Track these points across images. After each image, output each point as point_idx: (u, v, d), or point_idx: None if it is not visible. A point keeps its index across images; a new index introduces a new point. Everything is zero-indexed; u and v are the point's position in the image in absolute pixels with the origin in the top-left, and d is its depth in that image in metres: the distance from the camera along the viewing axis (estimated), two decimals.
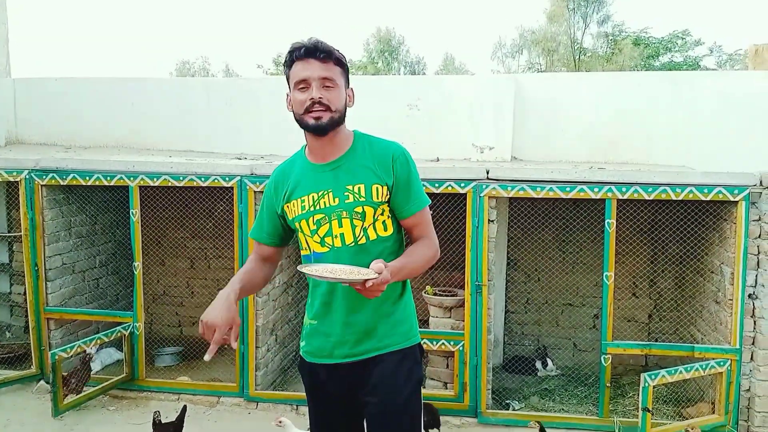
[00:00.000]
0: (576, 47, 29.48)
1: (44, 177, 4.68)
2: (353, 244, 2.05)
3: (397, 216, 2.11)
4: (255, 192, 4.43)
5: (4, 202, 5.98)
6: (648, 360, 5.35)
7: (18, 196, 4.81)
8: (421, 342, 2.21)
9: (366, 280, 1.83)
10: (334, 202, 2.04)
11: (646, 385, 3.83)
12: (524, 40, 31.42)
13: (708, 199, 4.04)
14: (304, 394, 4.37)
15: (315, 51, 1.98)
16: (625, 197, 4.09)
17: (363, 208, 2.03)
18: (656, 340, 5.32)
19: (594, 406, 4.49)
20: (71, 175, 4.64)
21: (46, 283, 4.78)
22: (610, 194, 4.08)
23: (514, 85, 5.54)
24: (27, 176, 4.69)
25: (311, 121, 1.98)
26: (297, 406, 4.49)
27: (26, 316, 5.79)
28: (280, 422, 3.63)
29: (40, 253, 4.74)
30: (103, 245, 5.55)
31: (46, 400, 4.49)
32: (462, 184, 4.20)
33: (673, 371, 3.96)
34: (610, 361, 4.18)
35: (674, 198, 4.06)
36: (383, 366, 2.08)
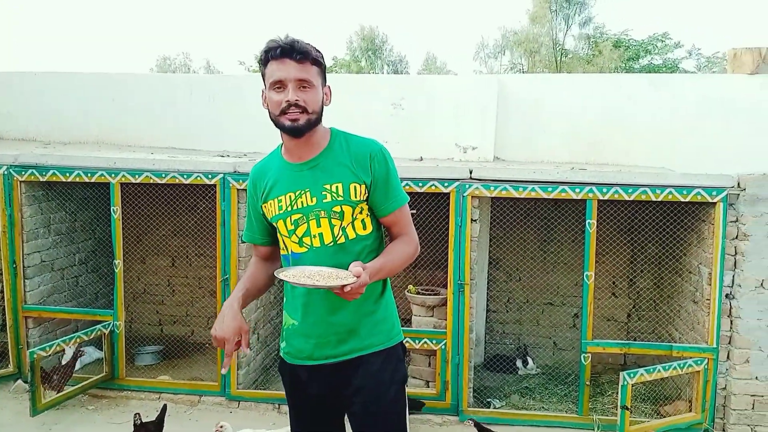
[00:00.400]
0: (558, 49, 29.71)
1: (23, 173, 4.61)
2: (332, 243, 2.03)
3: (376, 214, 2.10)
4: (238, 190, 4.41)
5: None
6: (627, 359, 5.42)
7: None
8: (403, 340, 2.21)
9: (344, 285, 1.82)
10: (312, 201, 2.02)
11: (625, 383, 3.88)
12: (506, 40, 31.59)
13: (687, 200, 4.11)
14: (283, 393, 4.35)
15: (291, 51, 1.93)
16: (606, 198, 4.14)
17: (341, 207, 2.01)
18: (635, 340, 5.39)
19: (574, 404, 4.54)
20: (51, 171, 4.58)
21: (24, 281, 4.70)
22: (591, 195, 4.13)
23: (497, 85, 5.58)
24: (5, 172, 4.62)
25: (287, 123, 1.96)
26: (279, 405, 4.48)
27: (3, 314, 5.71)
28: (222, 427, 3.59)
29: (18, 251, 4.67)
30: (83, 243, 5.48)
31: (23, 400, 4.43)
32: (445, 184, 4.22)
33: (651, 370, 4.02)
34: (589, 359, 4.23)
35: (654, 199, 4.12)
36: (367, 367, 2.07)
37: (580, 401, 4.29)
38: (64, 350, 4.77)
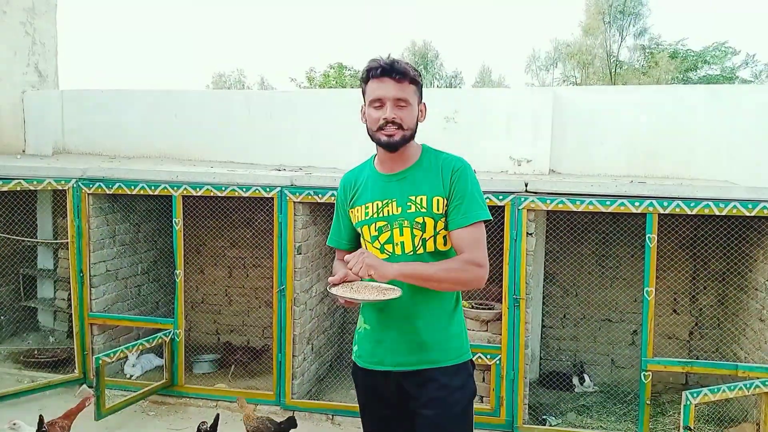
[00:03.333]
0: (612, 60, 29.19)
1: (91, 186, 4.82)
2: (412, 253, 2.11)
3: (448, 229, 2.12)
4: (294, 203, 4.50)
5: (51, 209, 6.17)
6: (689, 379, 5.24)
7: (64, 204, 4.96)
8: (473, 357, 2.25)
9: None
10: (397, 211, 2.12)
11: (688, 403, 3.76)
12: (559, 53, 31.26)
13: (752, 214, 3.97)
14: (339, 404, 4.43)
15: (391, 71, 2.05)
16: (667, 212, 4.03)
17: (423, 219, 2.09)
18: (697, 358, 5.20)
19: (633, 423, 4.42)
20: (117, 184, 4.77)
21: (90, 290, 4.90)
22: (651, 208, 4.04)
23: (552, 97, 5.53)
24: (74, 185, 4.83)
25: (383, 138, 2.09)
26: (332, 415, 4.51)
27: (69, 321, 5.94)
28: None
29: (85, 260, 4.87)
30: (145, 253, 5.67)
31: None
32: (500, 197, 4.19)
33: (716, 390, 3.87)
34: (650, 378, 4.11)
35: (717, 213, 3.99)
36: (437, 381, 2.11)
37: (640, 421, 4.16)
38: (127, 357, 4.94)
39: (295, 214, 4.53)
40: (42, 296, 6.31)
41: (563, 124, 5.53)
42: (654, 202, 4.03)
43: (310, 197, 4.49)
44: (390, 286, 2.06)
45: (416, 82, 2.10)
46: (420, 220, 2.09)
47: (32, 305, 6.23)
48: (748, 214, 3.97)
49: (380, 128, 2.08)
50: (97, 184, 4.81)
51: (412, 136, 2.13)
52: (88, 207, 4.87)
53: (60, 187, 4.85)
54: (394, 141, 2.08)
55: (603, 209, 4.10)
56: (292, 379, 4.56)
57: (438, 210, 2.09)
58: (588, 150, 5.55)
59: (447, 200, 2.10)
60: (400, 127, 2.07)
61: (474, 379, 2.23)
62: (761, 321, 4.29)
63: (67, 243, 4.96)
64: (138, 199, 5.15)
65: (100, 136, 6.68)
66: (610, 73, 28.51)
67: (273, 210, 4.56)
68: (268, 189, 4.54)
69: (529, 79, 34.08)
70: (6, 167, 4.97)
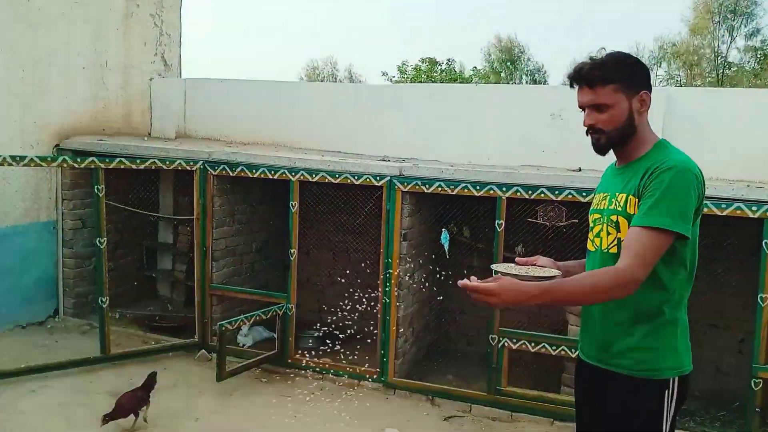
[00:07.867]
0: (720, 61, 27.74)
1: (216, 168, 5.21)
2: (606, 250, 2.08)
3: None
4: (402, 192, 4.69)
5: (172, 188, 6.68)
6: None
7: (184, 183, 5.38)
8: (670, 378, 2.03)
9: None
10: (605, 206, 2.12)
11: None
12: (663, 52, 29.99)
13: None
14: (440, 386, 4.62)
15: (579, 80, 2.05)
16: None
17: (617, 218, 2.04)
18: None
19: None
20: (240, 168, 5.14)
21: (212, 263, 5.31)
22: None
23: (665, 98, 5.44)
24: (201, 166, 5.24)
25: (593, 143, 2.10)
26: (432, 397, 4.68)
27: (186, 291, 6.43)
28: None
29: (208, 236, 5.28)
30: (259, 233, 6.06)
31: (206, 367, 5.02)
32: None
33: None
34: (761, 385, 4.03)
35: None
36: (615, 385, 2.07)
37: (746, 427, 4.10)
38: (240, 327, 5.31)
39: (402, 203, 4.73)
40: (161, 267, 6.84)
41: (674, 124, 5.41)
42: None
43: (417, 187, 4.67)
44: (554, 271, 2.06)
45: (613, 80, 2.00)
46: (614, 218, 2.04)
47: (152, 275, 6.78)
48: None
49: (587, 133, 2.10)
50: (222, 166, 5.20)
51: (622, 134, 2.05)
52: (213, 187, 5.27)
53: (189, 168, 5.27)
54: (598, 145, 2.08)
55: (718, 212, 4.06)
56: (395, 359, 4.77)
57: (631, 210, 1.99)
58: (698, 152, 5.35)
59: (638, 199, 1.98)
60: (600, 131, 2.05)
61: (665, 402, 2.03)
62: None
63: (190, 219, 5.39)
64: (256, 182, 5.50)
65: (218, 123, 7.11)
66: (718, 74, 27.12)
67: (379, 199, 4.79)
68: (378, 178, 4.76)
69: None
70: (141, 148, 5.46)
